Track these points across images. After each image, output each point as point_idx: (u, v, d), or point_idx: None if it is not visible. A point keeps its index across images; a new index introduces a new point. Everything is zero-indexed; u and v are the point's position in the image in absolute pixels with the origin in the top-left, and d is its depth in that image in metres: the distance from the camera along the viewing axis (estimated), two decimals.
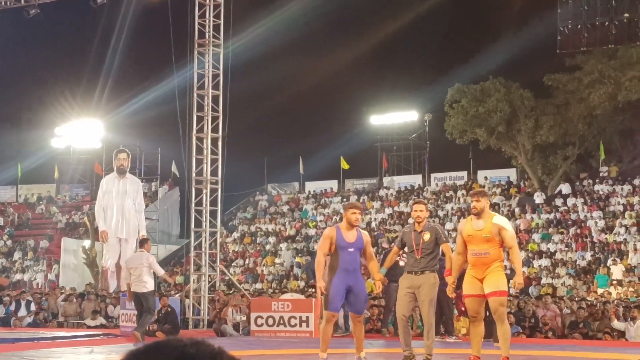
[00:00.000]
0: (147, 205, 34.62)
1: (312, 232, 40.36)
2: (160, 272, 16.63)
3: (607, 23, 35.86)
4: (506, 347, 9.81)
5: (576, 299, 23.38)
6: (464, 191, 41.29)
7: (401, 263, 16.37)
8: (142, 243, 17.17)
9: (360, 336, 10.51)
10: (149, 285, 16.35)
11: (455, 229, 36.81)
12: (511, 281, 10.28)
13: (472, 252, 9.86)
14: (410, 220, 10.90)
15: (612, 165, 39.89)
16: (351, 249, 10.24)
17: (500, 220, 9.88)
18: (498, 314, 9.84)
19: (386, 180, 46.63)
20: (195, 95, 21.47)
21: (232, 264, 38.71)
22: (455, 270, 10.21)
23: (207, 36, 21.56)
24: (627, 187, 37.07)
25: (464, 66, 41.97)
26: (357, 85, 49.02)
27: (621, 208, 35.30)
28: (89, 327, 21.36)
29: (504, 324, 9.89)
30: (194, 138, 21.46)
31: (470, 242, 9.86)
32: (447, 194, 41.60)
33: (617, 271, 29.88)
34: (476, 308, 9.99)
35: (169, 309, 18.29)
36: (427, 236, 10.37)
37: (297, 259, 37.69)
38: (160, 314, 17.95)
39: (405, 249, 10.68)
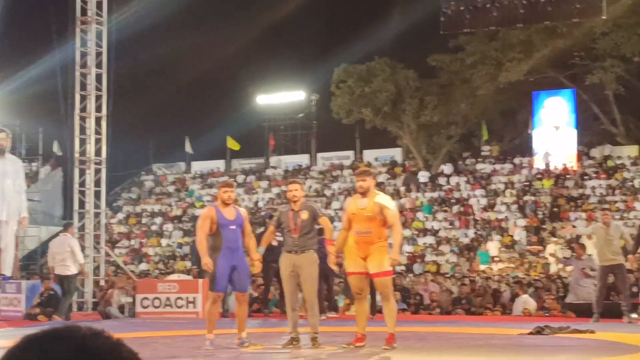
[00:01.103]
0: (28, 186, 33.69)
1: (198, 212, 40.02)
2: (81, 258, 16.55)
3: (488, 5, 36.52)
4: (392, 324, 9.97)
5: (458, 275, 23.93)
6: (350, 171, 41.65)
7: (274, 243, 16.53)
8: (66, 227, 17.22)
9: (243, 316, 10.50)
10: (72, 268, 16.32)
11: (342, 209, 37.12)
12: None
13: (356, 231, 9.96)
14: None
15: (494, 144, 40.86)
16: (233, 226, 10.23)
17: (382, 199, 10.00)
18: (384, 294, 10.02)
19: (273, 159, 46.60)
20: (77, 73, 20.99)
21: (117, 245, 38.14)
22: (339, 244, 10.29)
23: (89, 13, 21.06)
24: (508, 166, 38.04)
25: (349, 46, 42.18)
26: (244, 64, 48.74)
27: (502, 186, 36.21)
28: None
29: (390, 302, 10.06)
30: (76, 117, 21.00)
31: (354, 221, 9.97)
32: (334, 174, 41.89)
33: (492, 248, 30.65)
34: (360, 285, 10.12)
35: (52, 292, 17.91)
36: (305, 215, 10.40)
37: (180, 240, 37.43)
38: (42, 297, 17.57)
39: (283, 229, 10.67)
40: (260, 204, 39.71)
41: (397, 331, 10.18)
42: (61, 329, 1.75)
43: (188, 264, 32.57)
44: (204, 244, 10.25)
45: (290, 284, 10.42)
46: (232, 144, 45.06)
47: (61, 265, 16.37)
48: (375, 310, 15.75)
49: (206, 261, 10.15)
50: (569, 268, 19.79)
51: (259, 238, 12.55)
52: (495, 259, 29.60)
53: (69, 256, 16.31)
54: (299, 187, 10.63)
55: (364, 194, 9.91)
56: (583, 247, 18.43)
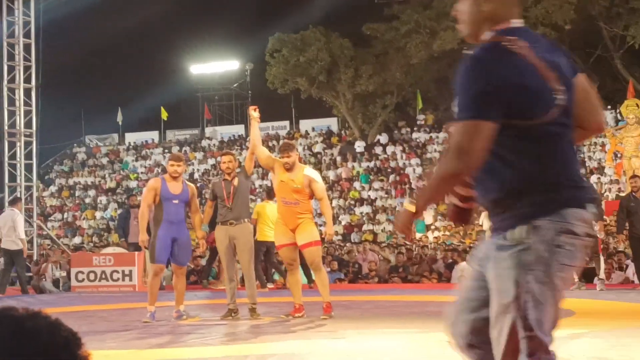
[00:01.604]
0: None
1: (133, 184, 39.71)
2: (21, 233, 16.40)
3: None
4: (326, 293, 10.02)
5: (394, 244, 24.07)
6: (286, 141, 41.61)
7: None
8: (14, 201, 17.24)
9: (181, 289, 10.49)
10: (19, 242, 16.23)
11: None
12: (322, 230, 10.50)
13: (283, 201, 10.01)
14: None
15: (429, 113, 41.11)
16: (176, 201, 10.17)
17: (310, 172, 10.10)
18: (315, 264, 10.07)
19: (208, 130, 46.33)
20: (4, 43, 20.52)
21: (50, 219, 37.63)
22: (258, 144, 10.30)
23: None
24: (443, 135, 38.29)
25: (284, 15, 42.00)
26: (177, 33, 48.23)
27: (438, 155, 36.49)
28: None
29: (321, 271, 10.17)
30: (4, 89, 20.56)
31: (281, 190, 10.02)
32: (270, 144, 41.78)
33: (428, 216, 30.94)
34: (291, 256, 10.16)
35: None
36: (236, 181, 10.35)
37: (113, 213, 37.10)
38: None
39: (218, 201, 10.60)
40: (196, 176, 39.49)
41: (335, 300, 10.21)
42: None
43: None
44: (145, 216, 10.19)
45: (227, 255, 10.37)
46: (164, 114, 44.68)
47: (7, 240, 16.36)
48: (313, 279, 15.79)
49: (142, 238, 10.11)
50: None
51: None
52: (432, 227, 29.89)
53: (12, 231, 16.24)
54: (232, 159, 10.56)
55: (289, 169, 9.92)
56: None
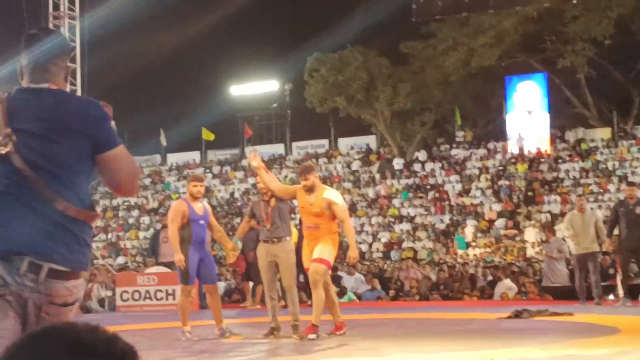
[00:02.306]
0: None
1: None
2: None
3: None
4: (317, 314, 9.88)
5: (437, 260, 24.06)
6: (325, 159, 41.71)
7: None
8: None
9: (217, 307, 10.55)
10: None
11: None
12: (347, 255, 10.34)
13: (305, 225, 10.06)
14: None
15: (467, 129, 41.01)
16: (202, 222, 10.36)
17: (330, 194, 9.99)
18: (314, 280, 9.89)
19: (248, 150, 46.55)
20: None
21: (94, 239, 38.02)
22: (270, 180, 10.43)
23: (61, 8, 20.98)
24: (482, 151, 38.22)
25: (322, 35, 42.17)
26: (217, 55, 48.62)
27: (477, 171, 36.41)
28: None
29: (317, 290, 9.90)
30: None
31: (303, 215, 10.09)
32: (311, 162, 41.90)
33: (468, 233, 30.81)
34: None
35: None
36: (273, 201, 10.41)
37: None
38: None
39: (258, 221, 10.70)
40: (237, 195, 39.73)
41: (377, 318, 10.25)
42: (58, 326, 1.82)
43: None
44: (177, 238, 10.27)
45: (268, 273, 10.45)
46: (207, 135, 44.93)
47: None
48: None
49: (179, 257, 10.17)
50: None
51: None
52: (472, 244, 29.78)
53: None
54: None
55: (309, 191, 9.93)
56: (553, 230, 18.67)
